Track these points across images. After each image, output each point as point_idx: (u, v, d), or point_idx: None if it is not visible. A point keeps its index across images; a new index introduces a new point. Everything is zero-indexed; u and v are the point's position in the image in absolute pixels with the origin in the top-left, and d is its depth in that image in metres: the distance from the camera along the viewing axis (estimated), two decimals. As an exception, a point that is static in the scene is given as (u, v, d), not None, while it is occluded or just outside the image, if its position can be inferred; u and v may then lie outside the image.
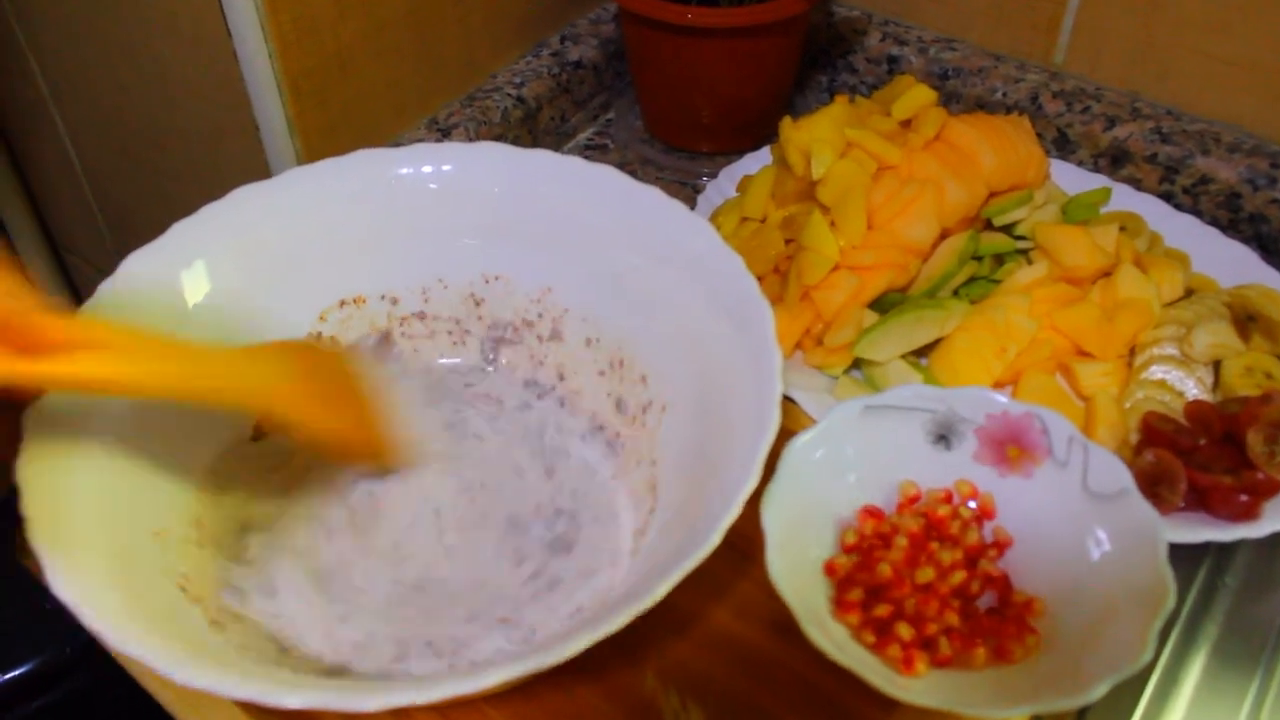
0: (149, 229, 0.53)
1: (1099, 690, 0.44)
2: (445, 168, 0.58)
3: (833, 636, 0.48)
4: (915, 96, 0.68)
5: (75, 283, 1.05)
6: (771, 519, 0.50)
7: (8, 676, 0.82)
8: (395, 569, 0.52)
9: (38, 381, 0.36)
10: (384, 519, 0.54)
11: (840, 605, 0.51)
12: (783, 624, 0.52)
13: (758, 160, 0.74)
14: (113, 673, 0.50)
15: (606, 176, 0.56)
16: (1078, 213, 0.70)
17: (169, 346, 0.44)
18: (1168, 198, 0.73)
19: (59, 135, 0.87)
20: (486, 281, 0.60)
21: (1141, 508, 0.50)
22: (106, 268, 0.52)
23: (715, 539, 0.41)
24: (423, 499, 0.55)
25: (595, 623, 0.38)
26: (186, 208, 0.54)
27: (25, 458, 0.44)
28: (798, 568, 0.51)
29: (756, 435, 0.45)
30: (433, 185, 0.59)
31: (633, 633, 0.52)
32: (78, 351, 0.38)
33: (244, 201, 0.56)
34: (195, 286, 0.54)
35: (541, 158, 0.58)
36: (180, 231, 0.54)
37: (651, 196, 0.55)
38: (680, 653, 0.52)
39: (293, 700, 0.37)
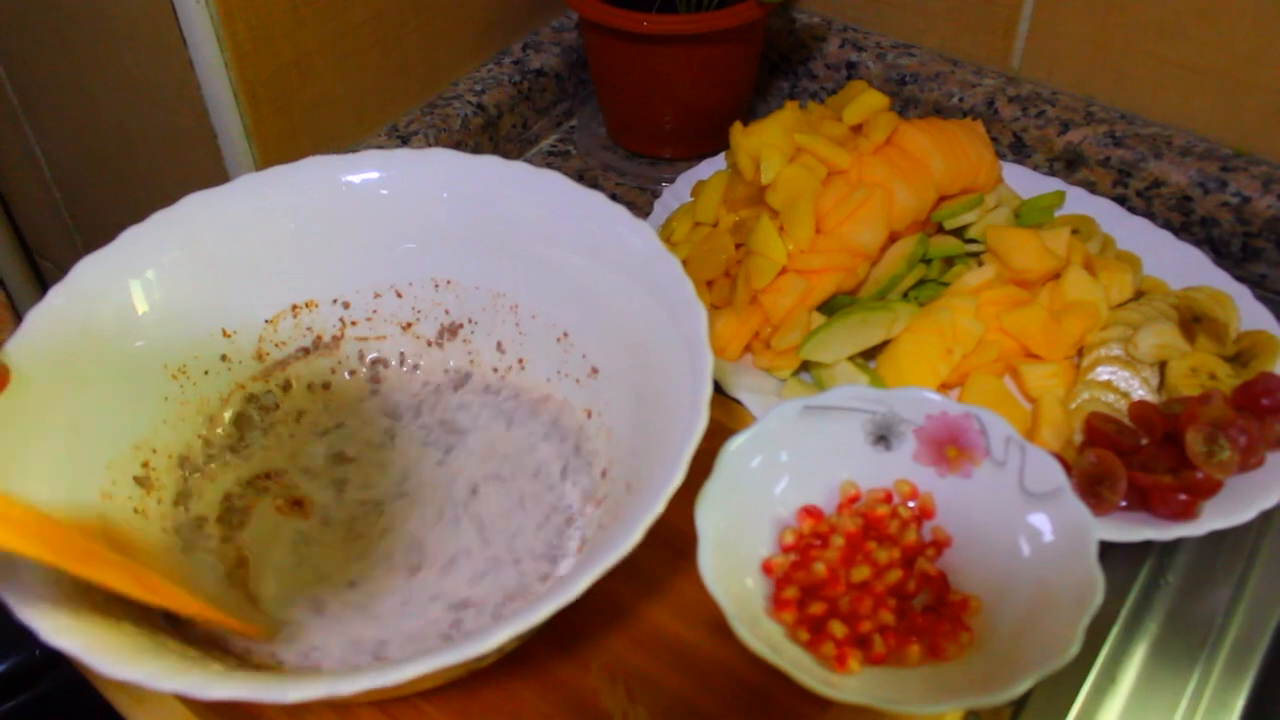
0: (118, 233, 0.54)
1: (1022, 686, 0.44)
2: (394, 174, 0.59)
3: (767, 635, 0.49)
4: (866, 102, 0.68)
5: (48, 286, 1.06)
6: (706, 519, 0.50)
7: None
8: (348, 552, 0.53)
9: None
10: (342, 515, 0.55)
11: (776, 604, 0.52)
12: (720, 623, 0.52)
13: (713, 166, 0.75)
14: (80, 677, 0.50)
15: (551, 181, 0.57)
16: (1032, 216, 0.70)
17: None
18: (1121, 201, 0.73)
19: (29, 142, 0.88)
20: (436, 286, 0.60)
21: (1075, 506, 0.50)
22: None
23: (636, 536, 0.41)
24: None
25: (511, 619, 0.39)
26: (148, 214, 0.55)
27: None
28: (735, 567, 0.51)
29: (684, 435, 0.45)
30: (383, 191, 0.59)
31: (572, 631, 0.53)
32: None
33: (194, 209, 0.57)
34: (146, 292, 0.55)
35: (488, 163, 0.58)
36: (131, 238, 0.55)
37: (594, 200, 0.56)
38: (621, 650, 0.53)
39: (215, 693, 0.38)
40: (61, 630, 0.40)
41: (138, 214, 0.55)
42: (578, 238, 0.56)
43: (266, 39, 0.66)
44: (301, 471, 0.57)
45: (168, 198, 0.55)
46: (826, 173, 0.66)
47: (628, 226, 0.55)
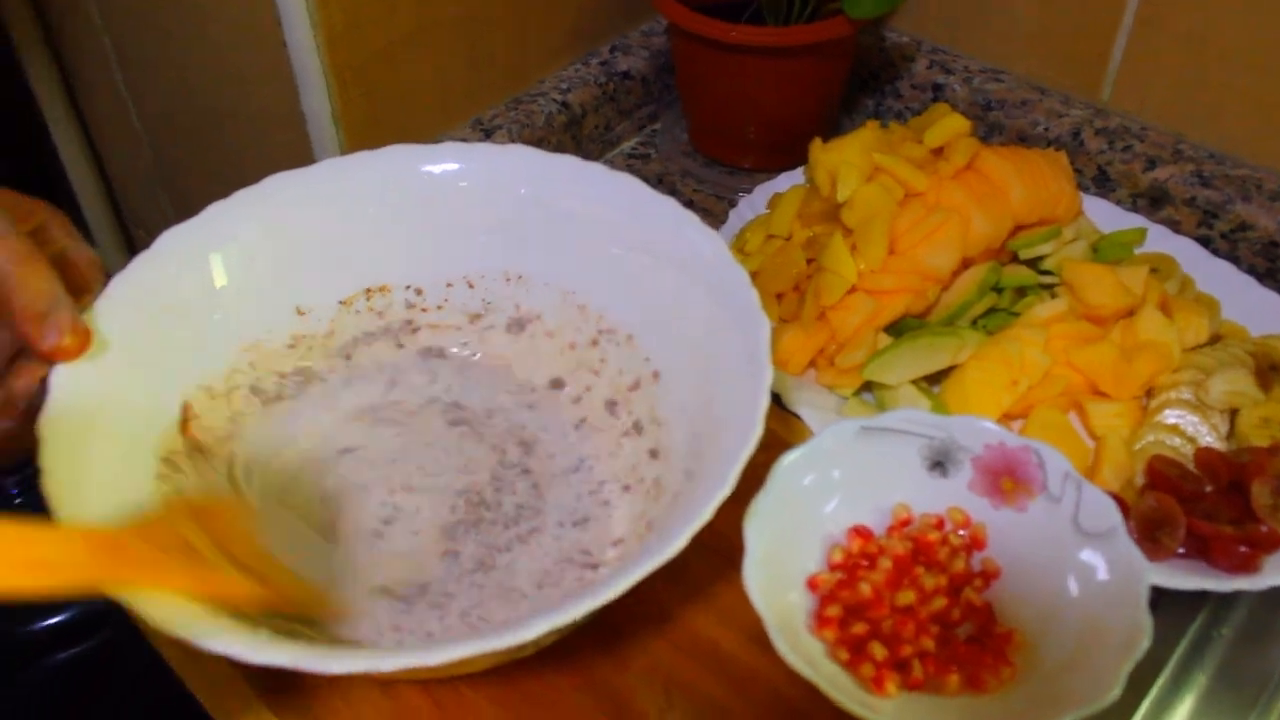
0: (205, 206, 0.55)
1: (1064, 724, 0.44)
2: (473, 167, 0.60)
3: (807, 651, 0.49)
4: (948, 125, 0.68)
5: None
6: (754, 531, 0.50)
7: (44, 625, 0.86)
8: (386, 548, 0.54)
9: None
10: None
11: (819, 620, 0.52)
12: (762, 635, 0.53)
13: (791, 179, 0.75)
14: (135, 630, 0.52)
15: (626, 184, 0.57)
16: (1110, 251, 0.69)
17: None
18: (1205, 242, 0.72)
19: (128, 114, 0.91)
20: (507, 280, 0.61)
21: (1128, 548, 0.50)
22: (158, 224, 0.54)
23: (681, 542, 0.42)
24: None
25: (551, 611, 0.39)
26: (234, 190, 0.56)
27: (48, 412, 0.46)
28: (780, 580, 0.51)
29: (738, 445, 0.45)
30: (461, 183, 0.60)
31: (616, 630, 0.53)
32: None
33: (277, 188, 0.58)
34: (225, 266, 0.57)
35: (565, 163, 0.59)
36: (214, 213, 0.57)
37: (667, 205, 0.56)
38: (663, 653, 0.53)
39: (260, 657, 0.39)
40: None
41: (228, 189, 0.56)
42: (649, 241, 0.57)
43: (359, 25, 0.68)
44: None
45: (253, 176, 0.57)
46: (904, 194, 0.66)
47: (699, 233, 0.55)
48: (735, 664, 0.53)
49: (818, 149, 0.68)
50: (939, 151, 0.68)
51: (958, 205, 0.65)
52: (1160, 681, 0.55)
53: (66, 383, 0.48)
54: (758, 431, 0.46)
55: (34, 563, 0.37)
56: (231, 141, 0.80)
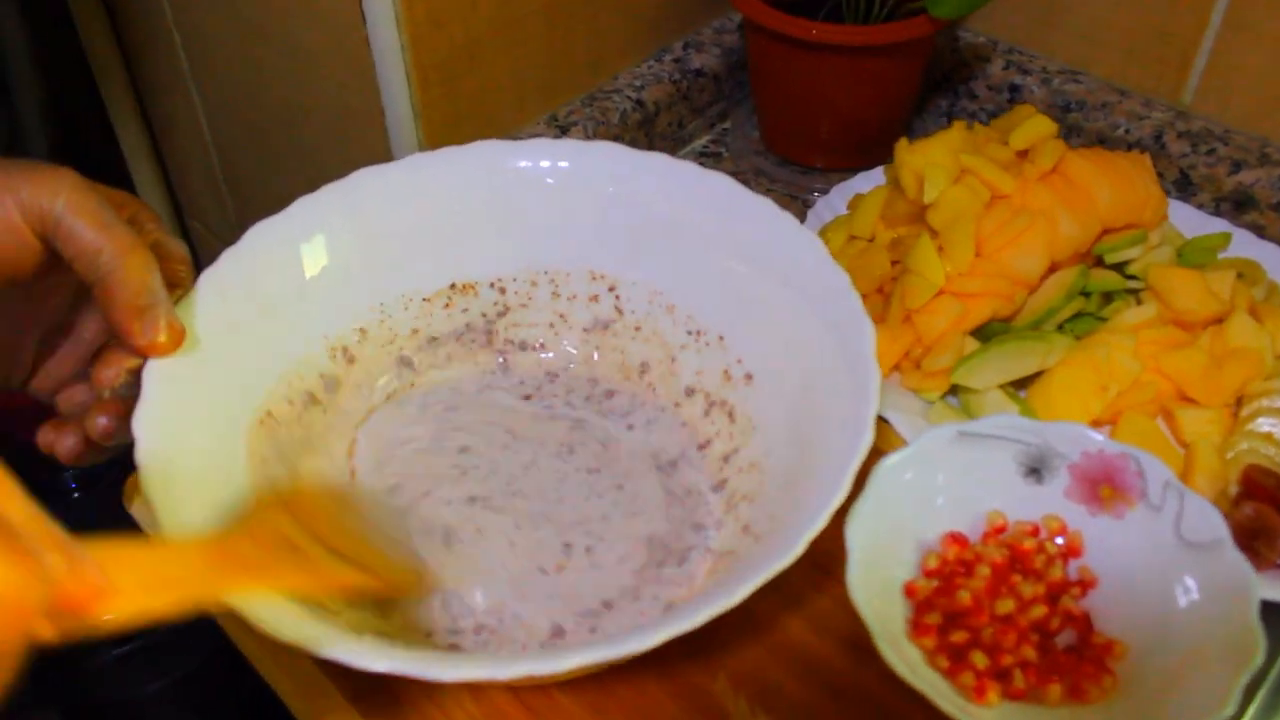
0: (271, 203, 0.55)
1: (1178, 737, 0.43)
2: (561, 164, 0.60)
3: (907, 658, 0.48)
4: (1034, 127, 0.67)
5: (195, 248, 1.09)
6: (855, 536, 0.50)
7: (116, 653, 0.86)
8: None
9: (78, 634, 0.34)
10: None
11: (917, 628, 0.51)
12: (857, 642, 0.52)
13: (870, 180, 0.74)
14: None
15: (719, 183, 0.57)
16: (1194, 256, 0.68)
17: (186, 565, 0.40)
18: (1291, 247, 0.71)
19: (194, 107, 0.91)
20: (593, 278, 0.61)
21: (1235, 560, 0.49)
22: (226, 236, 0.54)
23: (800, 548, 0.41)
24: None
25: (672, 619, 0.39)
26: (309, 185, 0.56)
27: (143, 409, 0.46)
28: (877, 587, 0.51)
29: (849, 450, 0.45)
30: (549, 180, 0.60)
31: (707, 636, 0.53)
32: (110, 600, 0.34)
33: (365, 182, 0.58)
34: (314, 260, 0.56)
35: (656, 160, 0.59)
36: (302, 207, 0.56)
37: (763, 207, 0.56)
38: (753, 659, 0.53)
39: (377, 665, 0.39)
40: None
41: (291, 184, 0.56)
42: (742, 243, 0.56)
43: (442, 22, 0.67)
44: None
45: (327, 171, 0.56)
46: (990, 196, 0.65)
47: (796, 235, 0.55)
48: (830, 671, 0.52)
49: (904, 149, 0.67)
50: (1024, 154, 0.68)
51: (1045, 208, 0.64)
52: (1261, 695, 0.54)
53: (160, 378, 0.47)
54: (869, 435, 0.46)
55: (159, 582, 0.36)
56: (303, 138, 0.80)
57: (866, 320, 0.50)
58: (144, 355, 0.47)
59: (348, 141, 0.76)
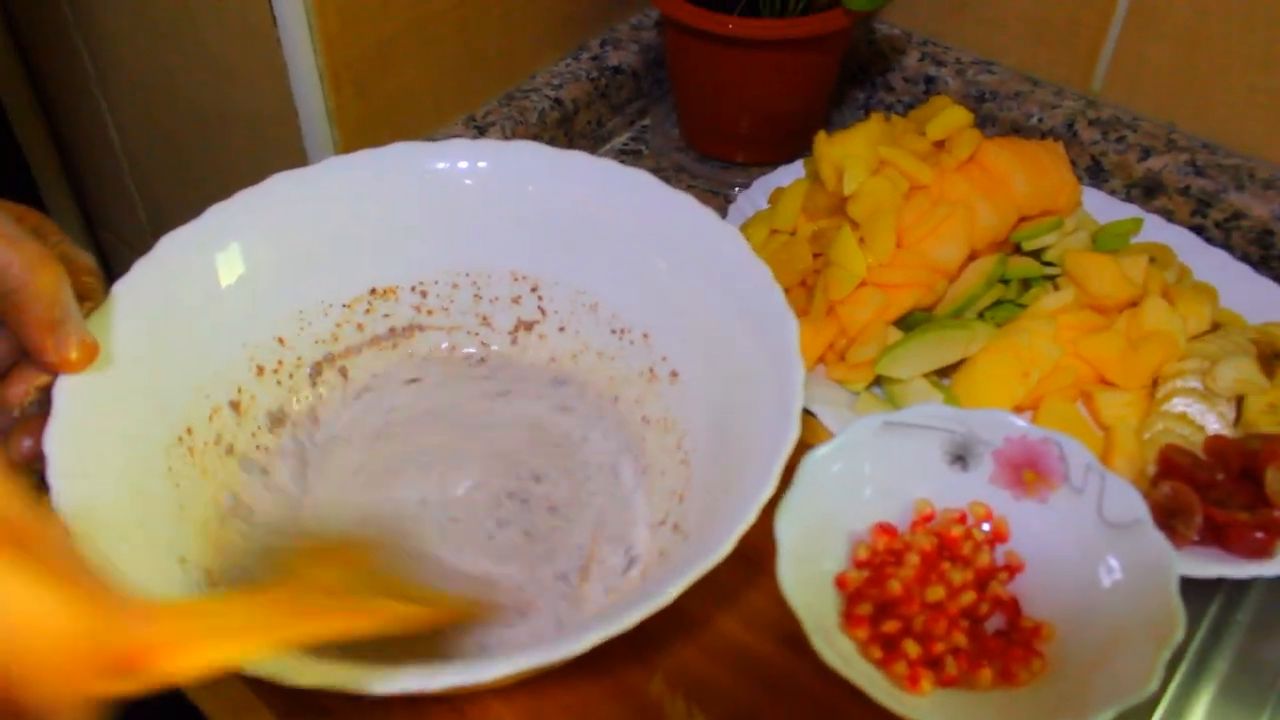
0: (185, 210, 0.54)
1: (1101, 718, 0.44)
2: (480, 164, 0.59)
3: (840, 650, 0.49)
4: (950, 117, 0.68)
5: (106, 258, 1.06)
6: (785, 530, 0.50)
7: None
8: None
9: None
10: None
11: (849, 619, 0.51)
12: (791, 636, 0.52)
13: (790, 173, 0.74)
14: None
15: (639, 180, 0.57)
16: (1108, 242, 0.70)
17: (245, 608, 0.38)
18: (1199, 231, 0.73)
19: (101, 113, 0.88)
20: (515, 279, 0.60)
21: (1155, 539, 0.50)
22: (140, 246, 0.52)
23: (729, 545, 0.41)
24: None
25: (602, 621, 0.39)
26: (224, 191, 0.55)
27: (54, 427, 0.45)
28: (809, 580, 0.51)
29: (775, 444, 0.45)
30: (467, 181, 0.59)
31: (642, 636, 0.53)
32: (164, 653, 0.32)
33: (280, 188, 0.57)
34: (229, 268, 0.55)
35: (576, 159, 0.58)
36: (216, 214, 0.55)
37: (683, 202, 0.56)
38: (688, 658, 0.52)
39: (303, 680, 0.38)
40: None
41: (206, 190, 0.55)
42: (664, 239, 0.56)
43: (354, 22, 0.66)
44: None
45: (241, 176, 0.55)
46: (909, 187, 0.66)
47: (717, 230, 0.55)
48: (767, 667, 0.52)
49: (823, 142, 0.67)
50: (941, 144, 0.68)
51: (963, 197, 0.65)
52: (1182, 670, 0.55)
53: (72, 395, 0.46)
54: (795, 428, 0.46)
55: (223, 631, 0.34)
56: (215, 142, 0.79)
57: (789, 314, 0.50)
58: (56, 372, 0.46)
59: (262, 146, 0.74)
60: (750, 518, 0.42)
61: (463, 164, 0.59)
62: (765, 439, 0.46)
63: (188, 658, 0.32)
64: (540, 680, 0.50)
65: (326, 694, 0.38)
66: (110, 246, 1.04)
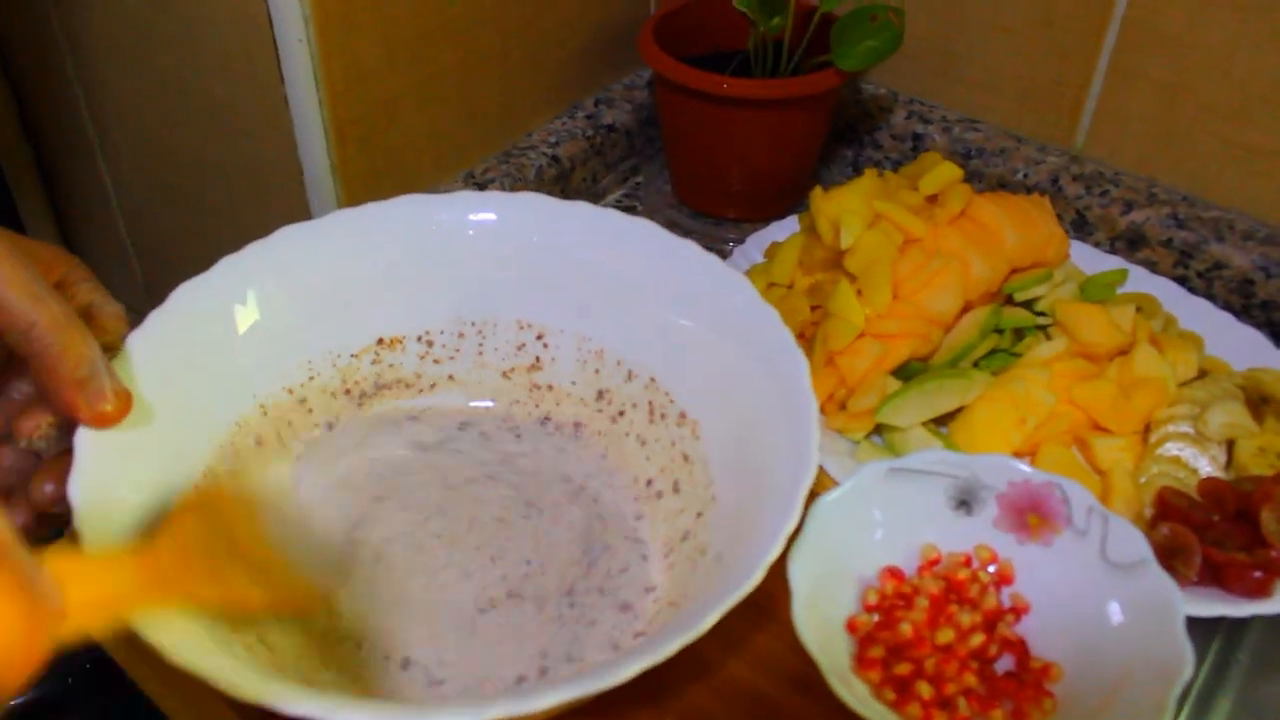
0: (183, 265, 0.54)
1: (1117, 754, 0.45)
2: (486, 215, 0.60)
3: (855, 693, 0.49)
4: (942, 173, 0.70)
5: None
6: (798, 574, 0.50)
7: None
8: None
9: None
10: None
11: (862, 662, 0.52)
12: (801, 679, 0.53)
13: (783, 229, 0.76)
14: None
15: (644, 229, 0.58)
16: (1095, 292, 0.71)
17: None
18: (1182, 281, 0.75)
19: (97, 165, 0.88)
20: (520, 327, 0.61)
21: (1159, 578, 0.51)
22: (133, 301, 0.52)
23: (760, 572, 0.42)
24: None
25: (642, 651, 0.39)
26: (222, 246, 0.55)
27: (78, 475, 0.45)
28: (820, 624, 0.51)
29: (795, 476, 0.46)
30: (473, 232, 0.60)
31: (652, 679, 0.52)
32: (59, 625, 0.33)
33: (289, 240, 0.57)
34: (243, 319, 0.55)
35: (580, 209, 0.59)
36: (227, 267, 0.55)
37: (688, 249, 0.57)
38: (701, 701, 0.52)
39: (341, 716, 0.38)
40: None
41: (205, 245, 0.55)
42: (669, 286, 0.57)
43: (360, 79, 0.67)
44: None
45: (241, 230, 0.56)
46: (903, 240, 0.67)
47: (723, 276, 0.56)
48: (778, 710, 0.52)
49: (819, 197, 0.69)
50: (933, 199, 0.70)
51: (956, 250, 0.67)
52: (1186, 711, 0.56)
53: (94, 444, 0.46)
54: (813, 461, 0.46)
55: (95, 601, 0.35)
56: (216, 196, 0.79)
57: (799, 352, 0.51)
58: (94, 427, 0.46)
59: (265, 199, 0.75)
60: (778, 547, 0.43)
61: (468, 215, 0.60)
62: (784, 472, 0.47)
63: (68, 628, 0.32)
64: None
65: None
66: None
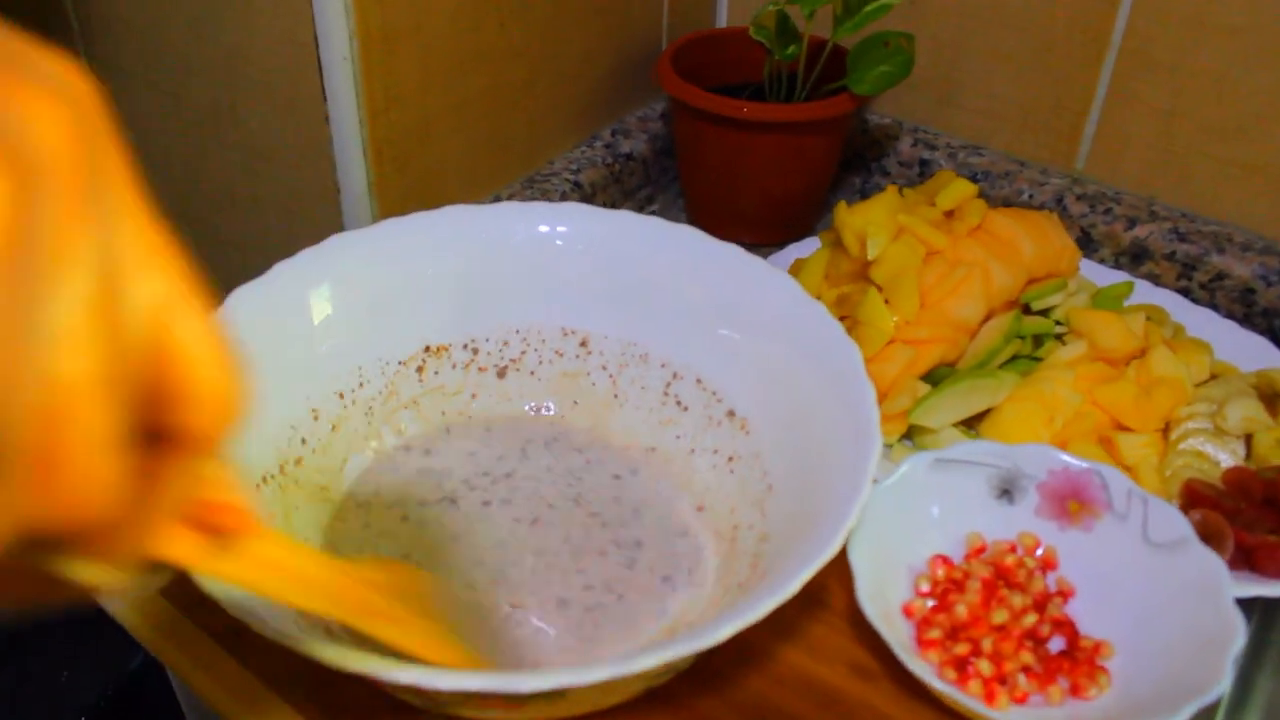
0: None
1: (1185, 712, 0.46)
2: (531, 225, 0.61)
3: (917, 673, 0.50)
4: (958, 189, 0.73)
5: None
6: (858, 556, 0.52)
7: None
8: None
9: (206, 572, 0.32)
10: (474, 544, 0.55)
11: (921, 644, 0.53)
12: (860, 665, 0.54)
13: (798, 251, 0.78)
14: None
15: (687, 235, 0.60)
16: (1105, 304, 0.74)
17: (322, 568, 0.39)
18: (1185, 293, 0.78)
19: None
20: (565, 335, 0.62)
21: (1202, 553, 0.53)
22: None
23: (839, 540, 0.43)
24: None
25: (735, 613, 0.40)
26: (247, 276, 0.56)
27: None
28: (878, 609, 0.52)
29: (861, 452, 0.47)
30: (518, 241, 0.61)
31: (709, 668, 0.53)
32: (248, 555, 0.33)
33: (341, 247, 0.58)
34: (297, 324, 0.56)
35: (624, 217, 0.61)
36: (281, 271, 0.56)
37: (732, 252, 0.59)
38: (759, 690, 0.53)
39: (446, 682, 0.38)
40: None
41: (228, 276, 0.55)
42: (713, 288, 0.59)
43: (398, 100, 0.69)
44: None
45: (269, 258, 0.56)
46: (925, 252, 0.70)
47: (769, 276, 0.58)
48: (840, 695, 0.53)
49: (844, 211, 0.71)
50: (950, 214, 0.73)
51: (978, 260, 0.69)
52: (1227, 691, 0.57)
53: None
54: (877, 439, 0.48)
55: (314, 584, 0.36)
56: (245, 224, 0.80)
57: (850, 342, 0.53)
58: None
59: (298, 222, 0.76)
60: (853, 515, 0.44)
61: (513, 225, 0.61)
62: (848, 452, 0.48)
63: (251, 559, 0.31)
64: (608, 713, 0.50)
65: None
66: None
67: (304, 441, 0.56)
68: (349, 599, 0.38)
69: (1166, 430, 0.67)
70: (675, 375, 0.61)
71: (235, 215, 0.80)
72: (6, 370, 0.19)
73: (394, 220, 0.60)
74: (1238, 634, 0.49)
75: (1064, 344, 0.71)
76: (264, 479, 0.52)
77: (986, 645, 0.53)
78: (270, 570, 0.33)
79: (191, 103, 0.75)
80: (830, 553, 0.42)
